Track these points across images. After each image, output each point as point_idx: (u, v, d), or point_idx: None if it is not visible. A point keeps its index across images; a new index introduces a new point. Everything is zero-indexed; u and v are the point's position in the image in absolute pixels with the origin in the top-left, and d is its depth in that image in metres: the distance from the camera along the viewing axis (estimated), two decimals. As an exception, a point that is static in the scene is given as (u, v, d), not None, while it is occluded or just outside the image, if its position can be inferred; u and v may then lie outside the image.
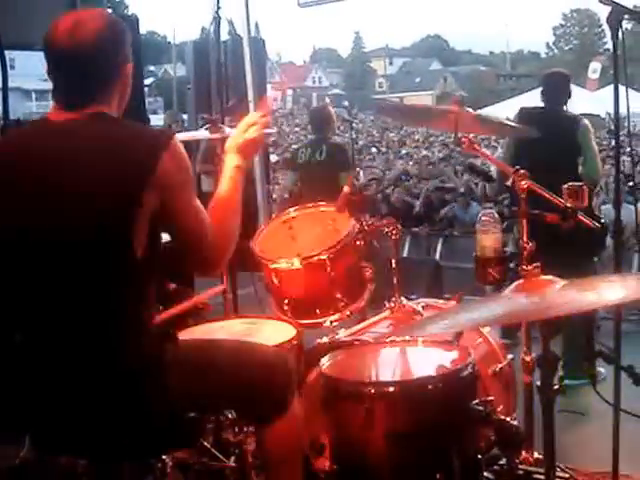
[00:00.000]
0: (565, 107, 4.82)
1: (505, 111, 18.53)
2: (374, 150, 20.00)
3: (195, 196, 2.07)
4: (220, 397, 2.17)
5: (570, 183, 2.65)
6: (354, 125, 9.10)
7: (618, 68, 2.56)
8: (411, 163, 14.41)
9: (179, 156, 2.00)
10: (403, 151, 18.95)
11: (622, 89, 2.54)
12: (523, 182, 2.65)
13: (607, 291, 1.94)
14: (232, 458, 2.91)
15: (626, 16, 2.47)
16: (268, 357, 2.26)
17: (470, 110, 3.05)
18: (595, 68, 22.66)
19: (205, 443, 2.96)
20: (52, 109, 2.05)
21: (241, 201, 2.23)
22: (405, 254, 8.49)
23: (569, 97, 4.80)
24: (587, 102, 16.91)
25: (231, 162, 2.28)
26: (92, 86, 2.02)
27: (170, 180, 1.96)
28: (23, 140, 2.08)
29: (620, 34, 2.50)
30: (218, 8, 5.75)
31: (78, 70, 1.98)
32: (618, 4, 2.46)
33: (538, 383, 2.05)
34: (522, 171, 2.68)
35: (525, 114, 4.70)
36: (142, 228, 1.94)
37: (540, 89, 4.80)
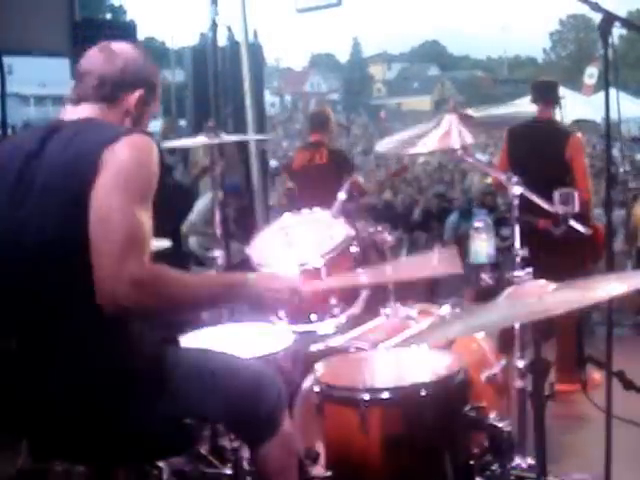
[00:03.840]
0: (557, 113, 4.84)
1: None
2: (373, 155, 20.01)
3: (135, 203, 1.88)
4: (215, 406, 2.17)
5: (561, 189, 2.67)
6: (352, 130, 9.08)
7: (610, 74, 2.58)
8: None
9: (135, 147, 1.95)
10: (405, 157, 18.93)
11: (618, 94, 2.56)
12: (515, 189, 2.67)
13: (599, 289, 1.94)
14: (228, 465, 2.92)
15: (617, 23, 2.49)
16: (256, 374, 2.24)
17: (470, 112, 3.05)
18: (591, 73, 22.63)
19: (201, 450, 2.97)
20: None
21: (204, 301, 2.07)
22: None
23: (558, 103, 4.82)
24: (583, 107, 16.94)
25: (243, 277, 2.13)
26: (91, 86, 2.11)
27: (106, 169, 1.89)
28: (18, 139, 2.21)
29: (612, 41, 2.51)
30: (215, 15, 5.78)
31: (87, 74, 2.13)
32: (609, 12, 2.48)
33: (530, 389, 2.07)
34: (514, 178, 2.70)
35: (513, 134, 4.74)
36: None
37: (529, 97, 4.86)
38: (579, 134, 4.76)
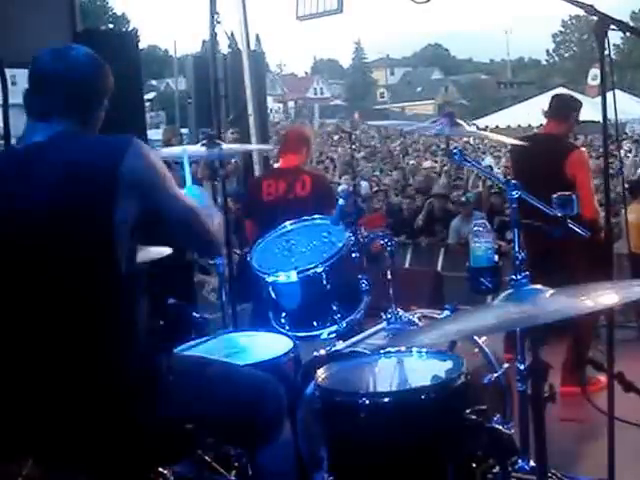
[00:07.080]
0: (567, 129, 4.62)
1: (507, 118, 18.58)
2: (376, 160, 20.03)
3: (174, 187, 2.08)
4: (213, 413, 2.18)
5: (559, 192, 2.68)
6: (355, 135, 9.01)
7: (606, 77, 2.58)
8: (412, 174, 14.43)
9: (141, 155, 2.00)
10: (411, 161, 18.98)
11: (622, 95, 2.57)
12: (514, 192, 2.68)
13: (596, 297, 1.94)
14: (233, 472, 2.92)
15: (612, 26, 2.50)
16: (257, 381, 2.28)
17: (462, 122, 3.07)
18: (595, 74, 22.59)
19: (206, 457, 2.97)
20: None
21: None
22: (407, 265, 8.51)
23: (569, 119, 4.58)
24: (587, 108, 16.91)
25: None
26: (70, 104, 2.08)
27: (139, 181, 1.97)
28: None
29: (609, 43, 2.52)
30: (216, 23, 5.80)
31: (62, 88, 2.07)
32: (604, 15, 2.49)
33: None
34: (513, 181, 2.71)
35: (515, 154, 4.68)
36: (125, 240, 1.97)
37: (541, 97, 4.81)
38: (582, 149, 4.57)
